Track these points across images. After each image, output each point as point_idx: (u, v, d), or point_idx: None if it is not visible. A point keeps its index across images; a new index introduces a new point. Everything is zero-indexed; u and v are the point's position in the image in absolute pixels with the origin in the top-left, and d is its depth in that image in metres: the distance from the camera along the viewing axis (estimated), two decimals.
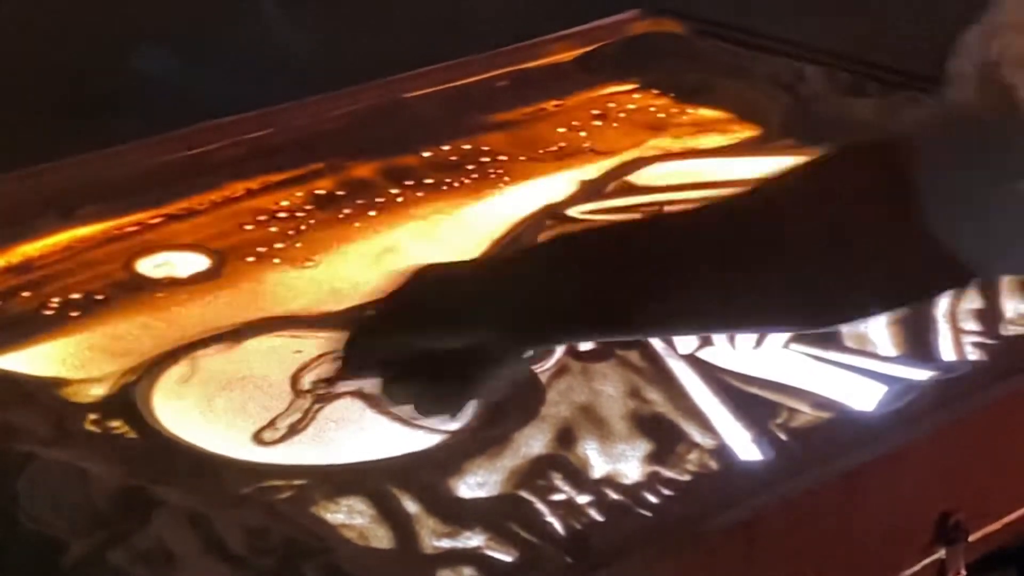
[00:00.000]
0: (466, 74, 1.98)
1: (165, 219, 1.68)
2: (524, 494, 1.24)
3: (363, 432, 1.34)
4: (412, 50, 2.10)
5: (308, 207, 1.71)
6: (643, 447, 1.31)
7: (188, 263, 1.60)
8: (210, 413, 1.36)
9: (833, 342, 1.45)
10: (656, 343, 1.44)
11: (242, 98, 1.89)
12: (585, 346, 1.44)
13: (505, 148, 1.84)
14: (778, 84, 1.96)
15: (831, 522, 1.26)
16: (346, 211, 1.70)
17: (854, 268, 1.06)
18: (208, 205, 1.71)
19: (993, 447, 1.35)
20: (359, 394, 1.38)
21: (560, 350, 1.44)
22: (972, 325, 1.47)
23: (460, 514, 1.22)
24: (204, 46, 2.20)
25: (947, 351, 1.43)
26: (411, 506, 1.23)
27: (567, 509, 1.23)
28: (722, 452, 1.30)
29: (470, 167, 1.80)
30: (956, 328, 1.46)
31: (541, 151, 1.84)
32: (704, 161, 1.83)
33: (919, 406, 1.34)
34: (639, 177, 1.79)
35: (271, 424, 1.34)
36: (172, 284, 1.57)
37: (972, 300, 1.51)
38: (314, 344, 1.45)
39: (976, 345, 1.43)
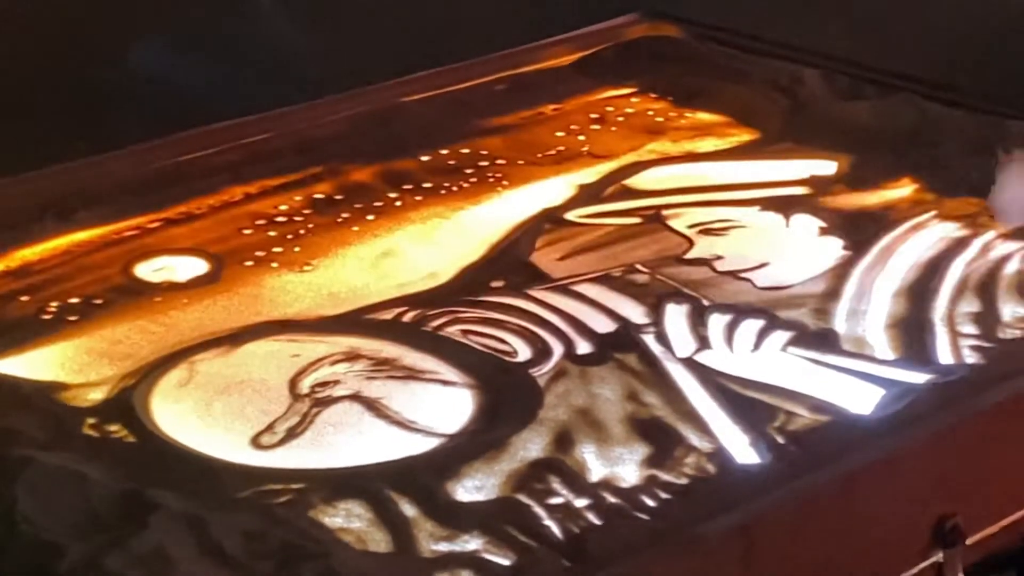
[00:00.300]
0: (464, 78, 1.98)
1: (164, 223, 1.69)
2: (521, 498, 1.24)
3: (361, 436, 1.34)
4: (410, 54, 2.11)
5: (306, 211, 1.71)
6: (640, 451, 1.31)
7: (187, 267, 1.61)
8: (208, 417, 1.36)
9: (830, 345, 1.45)
10: (654, 347, 1.45)
11: (240, 103, 1.90)
12: (582, 350, 1.44)
13: (503, 152, 1.85)
14: (776, 87, 1.96)
15: (828, 525, 1.26)
16: (344, 215, 1.70)
17: None
18: (207, 209, 1.71)
19: (990, 450, 1.35)
20: (357, 398, 1.38)
21: (558, 353, 1.44)
22: (969, 328, 1.47)
23: (458, 518, 1.22)
24: (203, 51, 2.20)
25: (945, 354, 1.43)
26: (409, 510, 1.23)
27: (564, 513, 1.23)
28: (719, 455, 1.30)
29: (468, 171, 1.80)
30: (953, 331, 1.47)
31: (539, 155, 1.84)
32: (702, 165, 1.83)
33: (916, 409, 1.34)
34: (637, 181, 1.79)
35: (269, 428, 1.34)
36: (171, 288, 1.57)
37: (969, 304, 1.51)
38: (312, 348, 1.45)
39: (974, 348, 1.43)
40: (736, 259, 1.61)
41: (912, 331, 1.47)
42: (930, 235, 1.64)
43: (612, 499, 1.25)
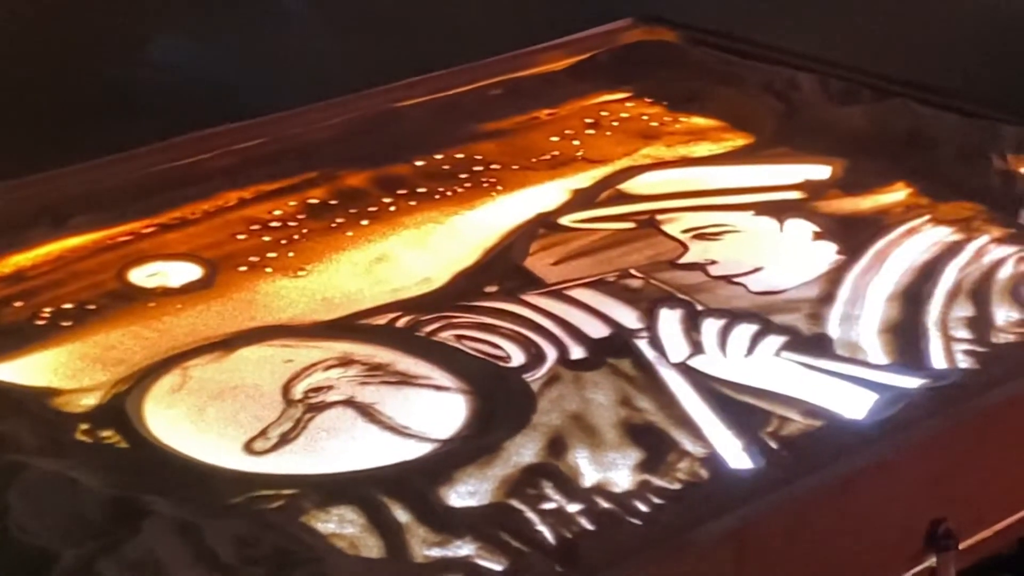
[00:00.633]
0: (459, 83, 1.98)
1: (158, 229, 1.69)
2: (514, 503, 1.24)
3: (354, 441, 1.34)
4: (405, 60, 2.11)
5: (301, 216, 1.71)
6: (634, 456, 1.31)
7: (180, 273, 1.61)
8: (201, 423, 1.36)
9: (824, 350, 1.45)
10: (647, 352, 1.45)
11: (235, 108, 1.90)
12: (576, 355, 1.44)
13: (498, 157, 1.85)
14: (771, 92, 1.96)
15: (821, 530, 1.26)
16: (339, 220, 1.70)
17: None
18: (201, 214, 1.71)
19: (983, 455, 1.35)
20: (351, 403, 1.38)
21: (551, 358, 1.44)
22: (963, 333, 1.47)
23: (451, 523, 1.22)
24: (199, 58, 2.20)
25: (938, 359, 1.43)
26: (402, 515, 1.23)
27: (557, 518, 1.23)
28: (713, 460, 1.30)
29: (463, 176, 1.80)
30: (947, 336, 1.46)
31: (534, 160, 1.84)
32: (697, 169, 1.83)
33: (910, 414, 1.34)
34: (631, 185, 1.79)
35: (262, 434, 1.34)
36: (164, 294, 1.57)
37: (963, 308, 1.51)
38: (306, 353, 1.45)
39: (967, 353, 1.43)
40: (730, 264, 1.61)
41: (906, 335, 1.47)
42: (924, 239, 1.64)
43: (605, 504, 1.25)
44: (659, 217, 1.71)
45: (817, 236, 1.67)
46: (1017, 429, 1.38)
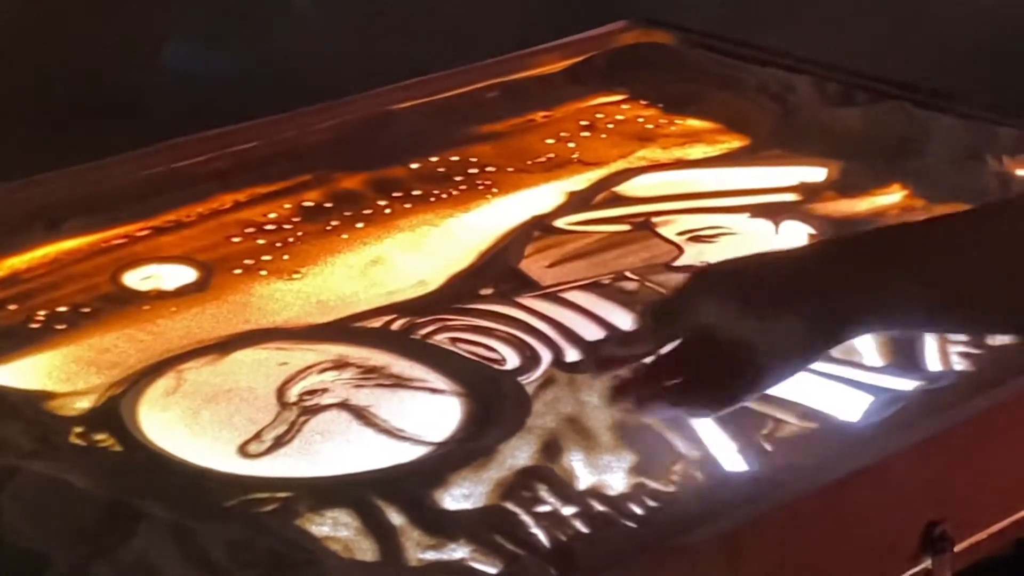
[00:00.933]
0: (454, 85, 1.98)
1: (152, 231, 1.68)
2: (509, 506, 1.24)
3: (349, 444, 1.33)
4: (400, 61, 2.10)
5: (296, 219, 1.71)
6: (628, 458, 1.31)
7: (175, 275, 1.60)
8: (196, 426, 1.36)
9: None
10: None
11: (230, 110, 1.89)
12: (571, 357, 1.44)
13: (493, 159, 1.85)
14: (766, 94, 1.96)
15: (816, 533, 1.26)
16: (334, 223, 1.70)
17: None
18: (195, 217, 1.71)
19: (979, 457, 1.35)
20: (345, 406, 1.38)
21: (546, 360, 1.44)
22: (958, 335, 1.46)
23: (445, 526, 1.22)
24: (194, 61, 2.20)
25: (933, 361, 1.43)
26: (396, 518, 1.22)
27: (552, 521, 1.23)
28: (708, 463, 1.30)
29: (458, 178, 1.80)
30: (942, 338, 1.46)
31: (529, 162, 1.84)
32: (693, 171, 1.83)
33: (905, 416, 1.34)
34: (627, 188, 1.79)
35: (257, 436, 1.34)
36: (159, 297, 1.57)
37: None
38: (300, 356, 1.45)
39: (962, 355, 1.43)
40: None
41: (900, 337, 1.46)
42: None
43: (600, 507, 1.24)
44: (654, 219, 1.71)
45: (812, 238, 1.67)
46: (1013, 431, 1.38)
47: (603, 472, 1.29)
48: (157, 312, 1.54)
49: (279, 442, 1.34)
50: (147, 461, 1.31)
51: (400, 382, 1.41)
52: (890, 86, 1.94)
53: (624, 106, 1.98)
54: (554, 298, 1.55)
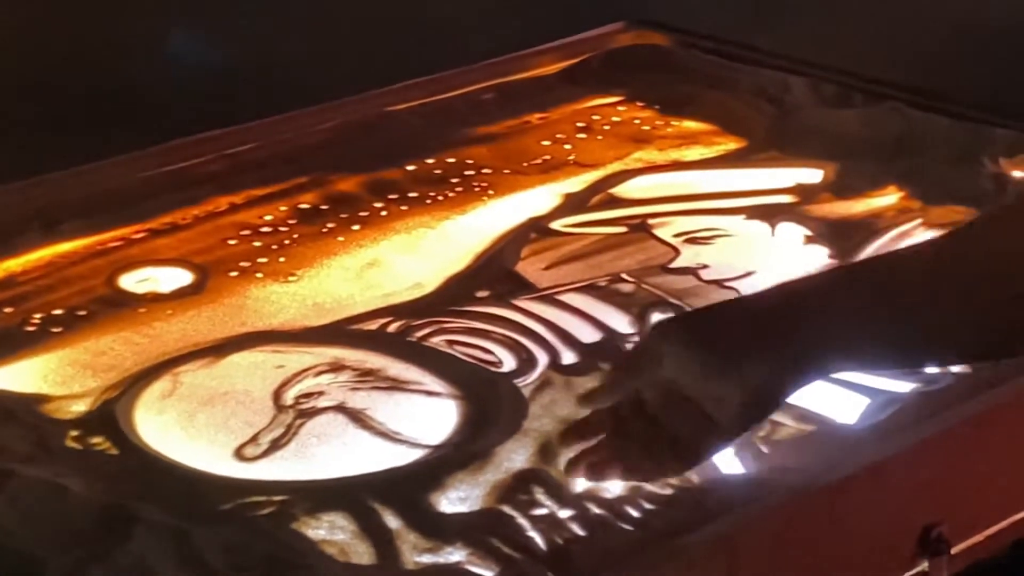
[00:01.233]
0: (450, 87, 1.98)
1: (148, 234, 1.68)
2: (506, 509, 1.24)
3: (345, 447, 1.33)
4: (396, 63, 2.11)
5: (292, 221, 1.71)
6: None
7: (171, 278, 1.60)
8: (192, 429, 1.36)
9: None
10: None
11: (225, 112, 1.89)
12: (567, 360, 1.44)
13: (489, 161, 1.84)
14: (762, 96, 1.96)
15: (813, 535, 1.26)
16: (330, 225, 1.70)
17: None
18: (191, 220, 1.71)
19: (975, 459, 1.35)
20: (342, 409, 1.38)
21: (542, 363, 1.44)
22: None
23: (442, 529, 1.21)
24: (190, 62, 2.20)
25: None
26: (392, 521, 1.22)
27: (549, 524, 1.22)
28: (704, 466, 1.30)
29: (454, 180, 1.80)
30: None
31: (525, 164, 1.84)
32: (689, 173, 1.83)
33: (902, 418, 1.34)
34: (623, 190, 1.79)
35: (253, 440, 1.34)
36: (155, 299, 1.56)
37: None
38: (297, 359, 1.45)
39: None
40: (722, 268, 1.61)
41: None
42: (916, 243, 1.64)
43: (596, 510, 1.24)
44: (651, 221, 1.71)
45: (809, 240, 1.67)
46: (1009, 433, 1.38)
47: None
48: (153, 315, 1.53)
49: (275, 445, 1.33)
50: (143, 464, 1.31)
51: (396, 385, 1.41)
52: (886, 87, 1.94)
53: (620, 108, 1.98)
54: (550, 300, 1.55)
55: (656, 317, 1.50)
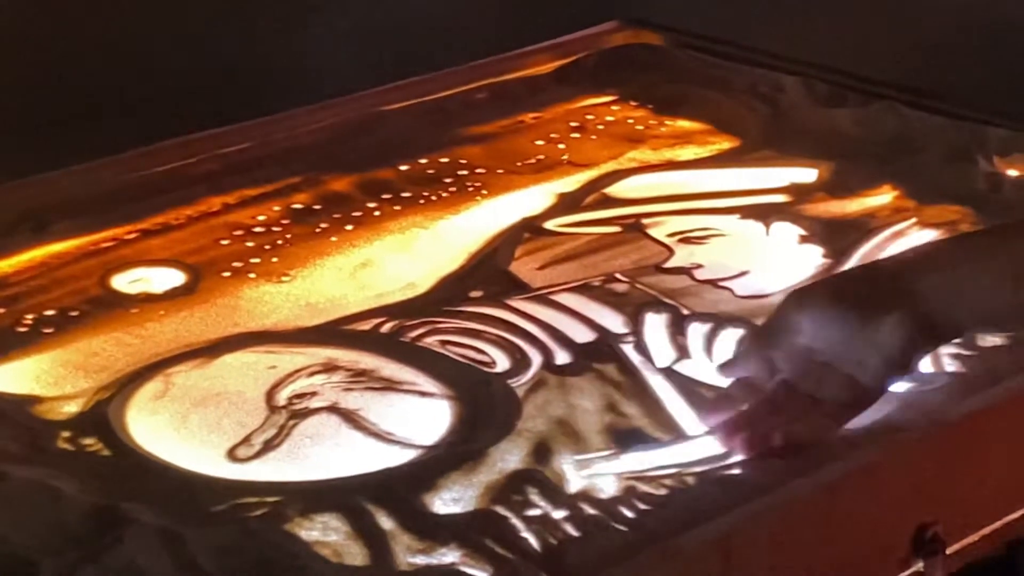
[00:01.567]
0: (443, 87, 1.97)
1: (140, 234, 1.68)
2: (500, 509, 1.24)
3: (338, 448, 1.33)
4: (388, 63, 2.10)
5: (285, 221, 1.71)
6: None
7: (163, 278, 1.60)
8: (184, 430, 1.35)
9: None
10: (633, 357, 1.44)
11: (218, 112, 1.89)
12: (561, 360, 1.44)
13: (483, 161, 1.84)
14: (756, 95, 1.96)
15: (808, 536, 1.25)
16: (323, 225, 1.70)
17: None
18: (184, 220, 1.71)
19: (970, 459, 1.35)
20: (335, 409, 1.37)
21: (536, 363, 1.44)
22: None
23: (435, 530, 1.21)
24: (183, 62, 2.19)
25: (924, 363, 1.42)
26: (386, 522, 1.22)
27: (543, 524, 1.22)
28: (702, 465, 1.30)
29: (448, 180, 1.79)
30: None
31: (519, 164, 1.84)
32: (683, 173, 1.83)
33: (896, 418, 1.33)
34: (617, 189, 1.79)
35: (246, 440, 1.34)
36: (147, 300, 1.56)
37: None
38: (290, 359, 1.44)
39: (953, 356, 1.42)
40: (716, 268, 1.61)
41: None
42: (910, 243, 1.64)
43: (590, 510, 1.24)
44: (645, 221, 1.70)
45: (803, 239, 1.66)
46: (1004, 433, 1.38)
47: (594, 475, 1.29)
48: (145, 315, 1.53)
49: (268, 446, 1.33)
50: (135, 466, 1.30)
51: (390, 385, 1.41)
52: (880, 86, 1.94)
53: (614, 107, 1.98)
54: (544, 300, 1.54)
55: (650, 317, 1.50)
